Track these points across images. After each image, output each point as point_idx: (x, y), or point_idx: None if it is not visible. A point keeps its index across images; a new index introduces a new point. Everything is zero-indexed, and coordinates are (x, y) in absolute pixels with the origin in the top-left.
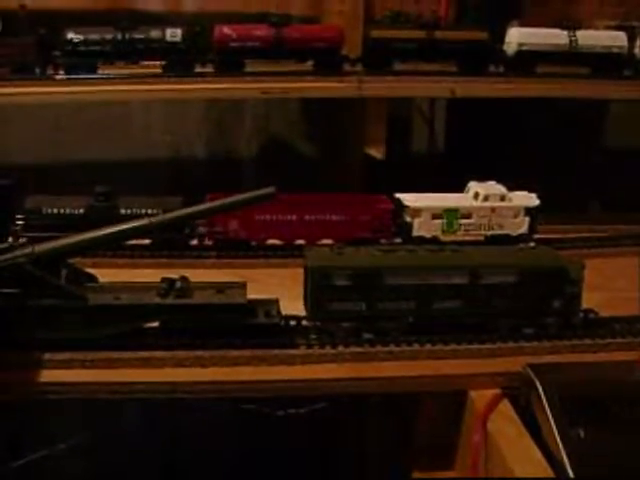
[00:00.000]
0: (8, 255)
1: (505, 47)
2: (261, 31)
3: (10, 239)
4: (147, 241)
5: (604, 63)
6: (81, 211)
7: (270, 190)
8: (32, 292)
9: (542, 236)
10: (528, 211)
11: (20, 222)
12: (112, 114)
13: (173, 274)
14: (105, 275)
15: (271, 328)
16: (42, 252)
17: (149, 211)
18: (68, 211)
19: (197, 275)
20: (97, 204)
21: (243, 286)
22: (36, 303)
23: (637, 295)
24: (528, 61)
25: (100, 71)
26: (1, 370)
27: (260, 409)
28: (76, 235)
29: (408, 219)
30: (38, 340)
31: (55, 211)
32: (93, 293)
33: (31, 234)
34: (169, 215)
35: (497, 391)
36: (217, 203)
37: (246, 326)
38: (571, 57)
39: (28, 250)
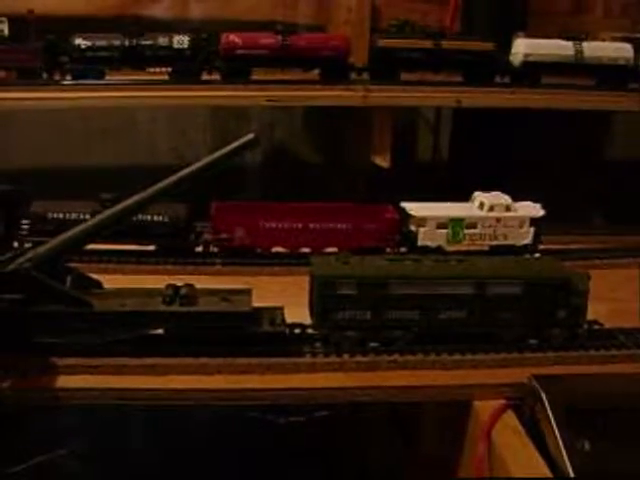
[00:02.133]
0: (13, 261)
1: (511, 58)
2: (268, 39)
3: (15, 244)
4: (152, 247)
5: (610, 74)
6: (87, 217)
7: (250, 137)
8: (37, 298)
9: (547, 247)
10: (533, 221)
11: (25, 227)
12: (118, 120)
13: (178, 281)
14: (110, 281)
15: (276, 336)
16: (43, 253)
17: (154, 217)
18: (74, 216)
19: (202, 282)
20: (102, 209)
21: (249, 293)
22: (41, 309)
23: (638, 306)
24: (534, 72)
25: (107, 77)
26: (6, 375)
27: (264, 417)
28: (71, 229)
29: (413, 228)
30: (42, 346)
31: (61, 216)
32: (98, 299)
33: (36, 239)
34: (161, 184)
35: (501, 402)
36: (204, 161)
37: (251, 334)
38: (577, 68)
39: (30, 254)
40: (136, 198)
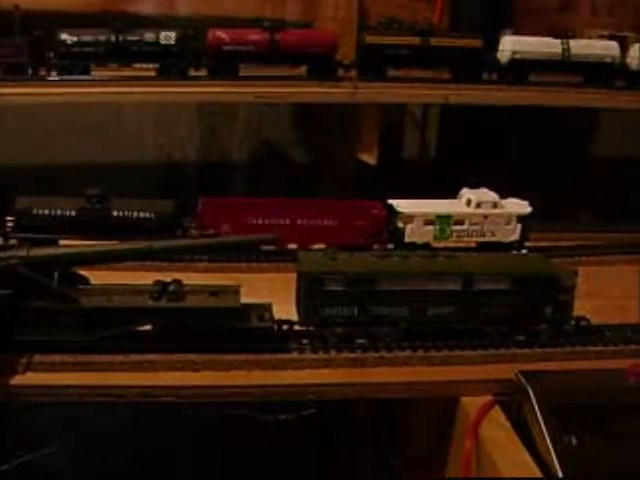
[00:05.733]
0: (1, 256)
1: (498, 55)
2: (255, 35)
3: (0, 240)
4: None
5: (596, 72)
6: (72, 213)
7: (272, 236)
8: (24, 294)
9: (534, 244)
10: (520, 218)
11: (10, 223)
12: (105, 116)
13: (165, 277)
14: (97, 277)
15: (264, 332)
16: (36, 257)
17: (141, 214)
18: (59, 212)
19: (189, 278)
20: (89, 206)
21: (237, 290)
22: (28, 305)
23: (637, 304)
24: (521, 69)
25: (93, 73)
26: None
27: (250, 414)
28: (73, 247)
29: (400, 225)
30: (29, 342)
31: (46, 212)
32: (85, 295)
33: (21, 235)
34: (171, 243)
35: (489, 398)
36: (217, 240)
37: (239, 330)
38: (564, 66)
39: (22, 253)
40: (144, 245)
